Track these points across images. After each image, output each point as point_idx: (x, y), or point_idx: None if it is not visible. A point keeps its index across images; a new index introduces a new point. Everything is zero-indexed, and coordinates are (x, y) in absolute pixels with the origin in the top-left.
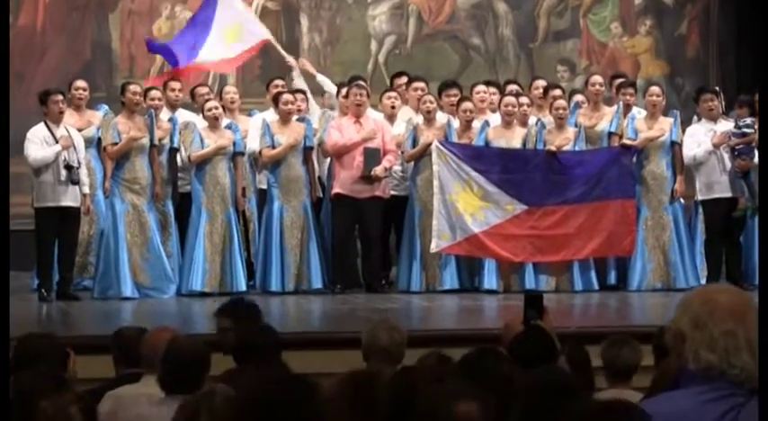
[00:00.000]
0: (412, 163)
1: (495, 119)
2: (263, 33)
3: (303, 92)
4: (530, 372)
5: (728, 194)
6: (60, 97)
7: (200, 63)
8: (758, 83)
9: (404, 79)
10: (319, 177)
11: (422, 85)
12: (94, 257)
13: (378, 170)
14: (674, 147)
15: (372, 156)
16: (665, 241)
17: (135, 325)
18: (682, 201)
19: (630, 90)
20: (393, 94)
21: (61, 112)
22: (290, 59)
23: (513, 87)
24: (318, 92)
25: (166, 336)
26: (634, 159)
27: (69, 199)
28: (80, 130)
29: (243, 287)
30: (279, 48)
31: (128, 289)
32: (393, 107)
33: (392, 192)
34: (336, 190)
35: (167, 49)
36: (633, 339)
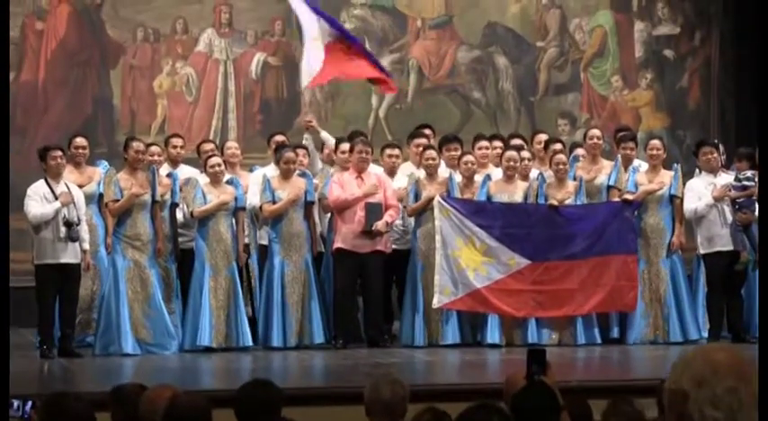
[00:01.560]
0: (413, 217)
1: (497, 172)
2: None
3: (304, 147)
4: None
5: (730, 248)
6: (59, 153)
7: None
8: (758, 135)
9: (428, 132)
10: (321, 232)
11: (423, 141)
12: (98, 314)
13: (379, 225)
14: (674, 200)
15: (374, 211)
16: (662, 294)
17: (137, 381)
18: (680, 253)
19: (631, 144)
20: (395, 150)
21: (61, 168)
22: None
23: (516, 141)
24: (319, 147)
25: (167, 394)
26: (635, 213)
27: (69, 256)
28: (81, 187)
29: (249, 342)
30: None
31: (129, 345)
32: (394, 163)
33: (393, 247)
34: (338, 245)
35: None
36: (635, 400)
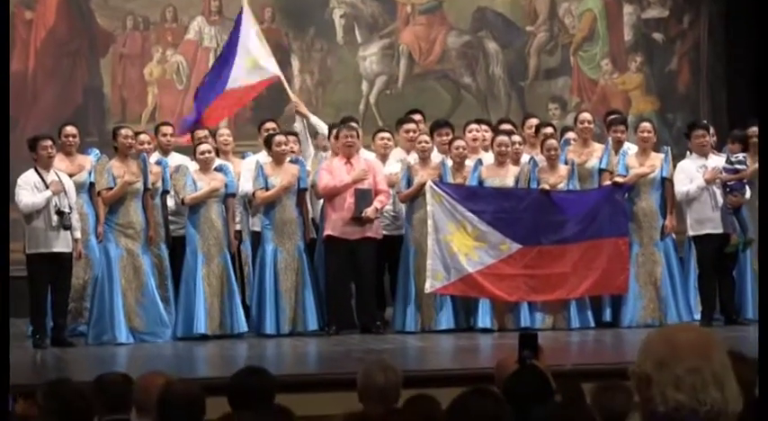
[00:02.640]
0: (406, 203)
1: (488, 157)
2: (275, 70)
3: (295, 134)
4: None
5: (720, 230)
6: (49, 143)
7: (229, 90)
8: (750, 117)
9: (418, 117)
10: (313, 219)
11: (413, 126)
12: (89, 302)
13: (369, 211)
14: (665, 183)
15: (364, 198)
16: (657, 277)
17: (131, 370)
18: (673, 236)
19: (621, 127)
20: (386, 134)
21: (51, 158)
22: (294, 99)
23: (506, 126)
24: (312, 133)
25: (159, 381)
26: (626, 196)
27: (61, 245)
28: (71, 175)
29: (244, 328)
30: (286, 85)
31: (122, 334)
32: (386, 147)
33: (384, 233)
34: (328, 232)
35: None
36: (624, 383)
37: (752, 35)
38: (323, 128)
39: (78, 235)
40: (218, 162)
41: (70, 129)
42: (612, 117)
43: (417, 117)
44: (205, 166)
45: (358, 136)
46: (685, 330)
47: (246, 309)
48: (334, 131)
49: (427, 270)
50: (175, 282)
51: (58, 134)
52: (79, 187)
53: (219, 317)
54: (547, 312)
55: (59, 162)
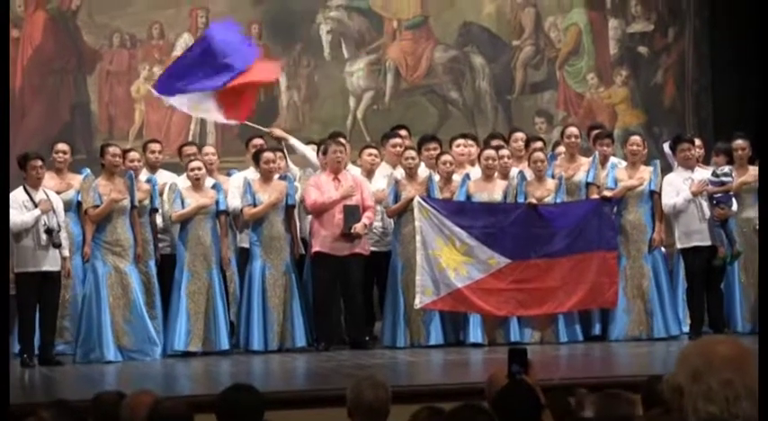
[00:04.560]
0: (393, 218)
1: (476, 172)
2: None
3: (281, 150)
4: None
5: (707, 243)
6: (39, 163)
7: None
8: (735, 130)
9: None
10: (303, 237)
11: (399, 141)
12: (69, 321)
13: (358, 227)
14: (654, 196)
15: (352, 214)
16: (645, 290)
17: (119, 388)
18: (662, 249)
19: (607, 140)
20: (373, 150)
21: (39, 178)
22: (268, 130)
23: (494, 141)
24: (290, 150)
25: (147, 400)
26: (615, 209)
27: (50, 263)
28: (59, 193)
29: (226, 345)
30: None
31: (110, 352)
32: (373, 163)
33: (373, 249)
34: (317, 248)
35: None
36: (626, 393)
37: (736, 48)
38: (301, 149)
39: (67, 253)
40: (212, 180)
41: (62, 146)
42: (598, 131)
43: (403, 133)
44: (196, 184)
45: (346, 151)
46: (722, 343)
47: (232, 325)
48: (322, 147)
49: (416, 285)
50: (164, 300)
51: (50, 150)
52: (66, 205)
53: (204, 333)
54: (535, 327)
55: (48, 179)
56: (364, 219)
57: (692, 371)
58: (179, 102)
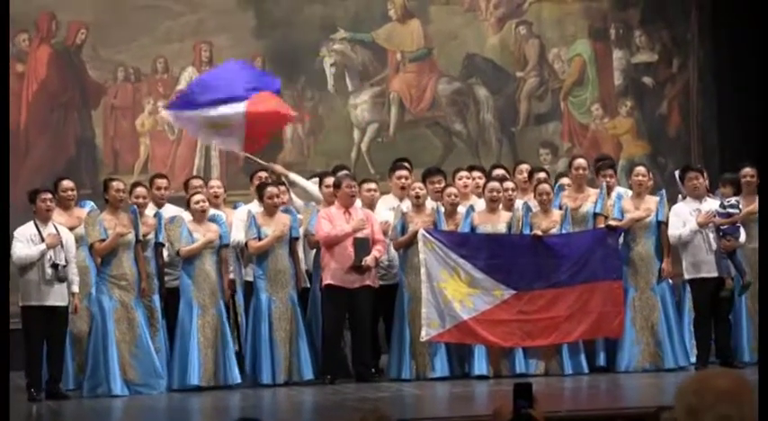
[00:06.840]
0: (400, 250)
1: (480, 204)
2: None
3: (285, 184)
4: None
5: (715, 274)
6: (49, 196)
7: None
8: (742, 159)
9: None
10: (307, 270)
11: (405, 173)
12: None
13: (368, 260)
14: (661, 226)
15: (362, 246)
16: (654, 322)
17: None
18: (670, 280)
19: (610, 171)
20: (372, 184)
21: (49, 211)
22: (268, 164)
23: (499, 172)
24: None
25: None
26: (620, 240)
27: (55, 298)
28: (71, 229)
29: (237, 380)
30: (257, 159)
31: (117, 386)
32: (372, 198)
33: (380, 282)
34: (328, 281)
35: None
36: None
37: (740, 78)
38: (302, 183)
39: (76, 289)
40: (211, 212)
41: (67, 184)
42: (600, 163)
43: (406, 165)
44: (200, 217)
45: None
46: (719, 377)
47: (240, 359)
48: (327, 180)
49: (422, 318)
50: (169, 334)
51: (54, 187)
52: (79, 240)
53: (213, 368)
54: (539, 357)
55: (58, 216)
56: (375, 252)
57: (687, 406)
58: (189, 118)
